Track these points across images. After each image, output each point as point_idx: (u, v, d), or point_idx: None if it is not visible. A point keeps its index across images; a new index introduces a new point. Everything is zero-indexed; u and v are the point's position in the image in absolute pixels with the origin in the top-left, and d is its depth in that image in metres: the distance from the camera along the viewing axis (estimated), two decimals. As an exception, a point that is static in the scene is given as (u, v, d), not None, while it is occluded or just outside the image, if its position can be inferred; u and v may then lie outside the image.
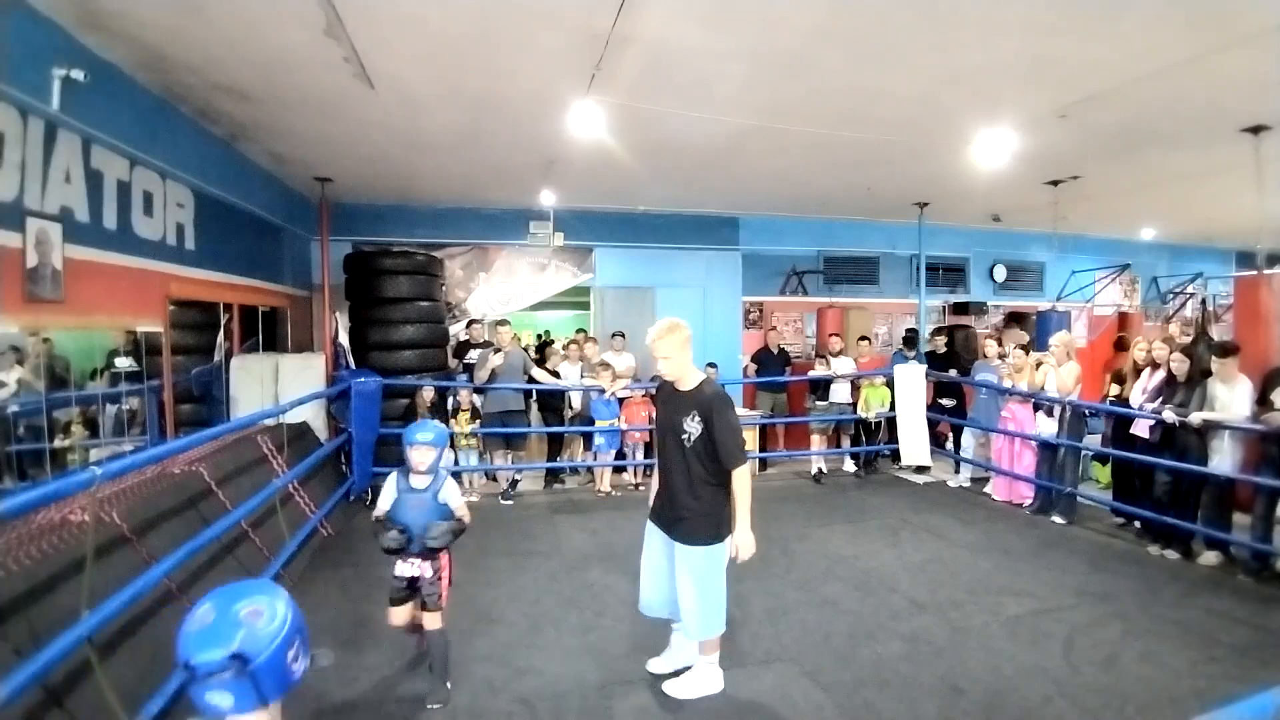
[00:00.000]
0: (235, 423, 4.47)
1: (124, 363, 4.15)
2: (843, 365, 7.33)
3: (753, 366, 8.14)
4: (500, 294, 8.79)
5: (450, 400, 6.64)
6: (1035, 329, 9.13)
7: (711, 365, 7.73)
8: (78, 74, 3.36)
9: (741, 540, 2.79)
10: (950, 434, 7.39)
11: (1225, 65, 4.01)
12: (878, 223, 9.70)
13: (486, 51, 3.95)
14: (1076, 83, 4.36)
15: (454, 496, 3.00)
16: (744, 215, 9.39)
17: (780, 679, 3.09)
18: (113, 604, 2.27)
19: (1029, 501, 5.98)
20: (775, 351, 8.03)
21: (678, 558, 2.87)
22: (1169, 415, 4.66)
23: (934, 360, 7.40)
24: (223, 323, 5.66)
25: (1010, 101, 4.70)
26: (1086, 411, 5.72)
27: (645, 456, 6.87)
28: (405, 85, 4.43)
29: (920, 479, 7.09)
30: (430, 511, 2.91)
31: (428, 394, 6.40)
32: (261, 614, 1.12)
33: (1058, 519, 5.54)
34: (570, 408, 7.02)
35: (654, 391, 3.15)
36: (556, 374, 6.93)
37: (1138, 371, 5.23)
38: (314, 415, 5.87)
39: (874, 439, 7.46)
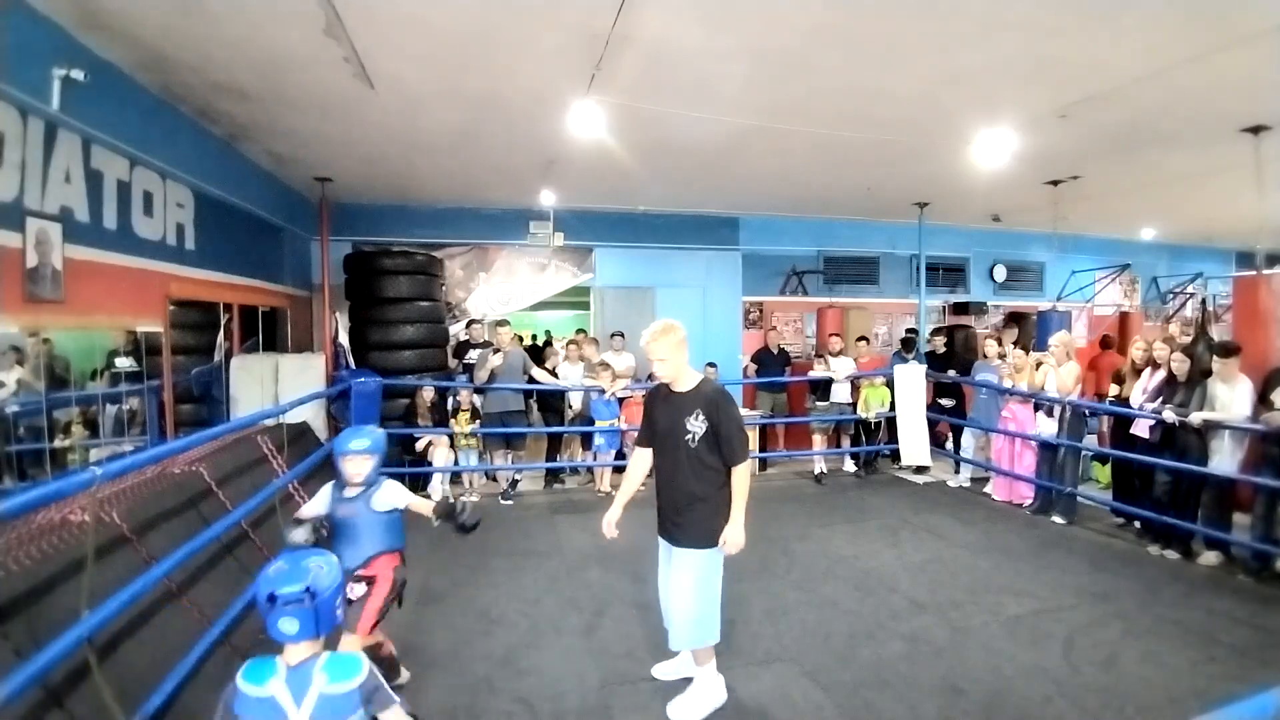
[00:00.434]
0: (235, 423, 4.47)
1: (124, 363, 4.15)
2: (842, 365, 7.32)
3: (753, 367, 8.14)
4: (500, 294, 8.80)
5: (450, 400, 6.64)
6: (1036, 329, 9.14)
7: (711, 365, 7.73)
8: (78, 74, 3.36)
9: (732, 535, 2.73)
10: (950, 434, 7.39)
11: (1225, 65, 4.01)
12: (878, 223, 9.70)
13: (486, 51, 3.95)
14: (1076, 83, 4.36)
15: (397, 496, 2.71)
16: (744, 215, 9.40)
17: (780, 679, 3.09)
18: (113, 604, 2.26)
19: (1029, 501, 5.97)
20: (775, 351, 8.03)
21: (674, 561, 2.82)
22: (1169, 415, 4.66)
23: (934, 360, 7.40)
24: (223, 323, 5.66)
25: (1010, 101, 4.70)
26: (1087, 411, 5.72)
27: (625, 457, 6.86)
28: (405, 85, 4.43)
29: (920, 479, 7.08)
30: (363, 522, 2.64)
31: (428, 394, 6.41)
32: (323, 567, 1.59)
33: (1058, 519, 5.54)
34: (570, 408, 7.02)
35: (647, 395, 3.04)
36: (556, 374, 6.93)
37: (1137, 371, 5.23)
38: (314, 415, 5.87)
39: (874, 439, 7.46)
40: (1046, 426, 5.83)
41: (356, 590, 2.60)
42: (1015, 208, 8.62)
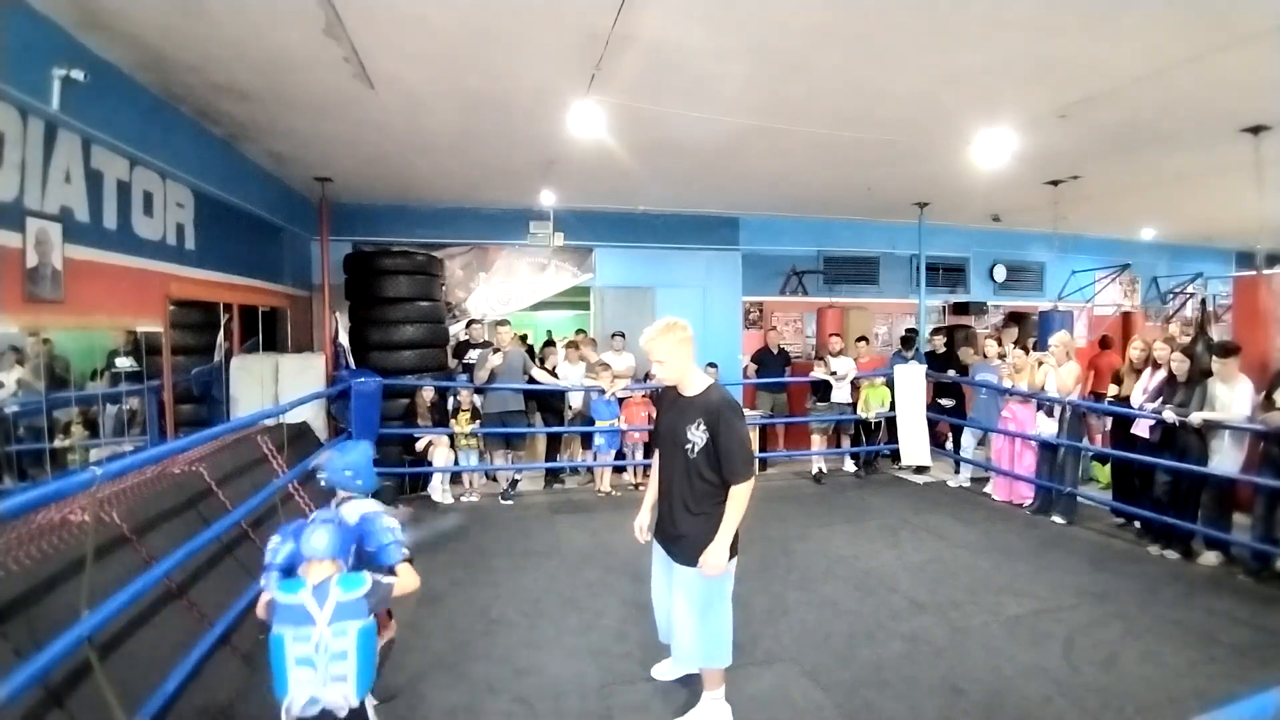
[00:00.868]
0: (235, 423, 4.47)
1: (124, 363, 4.15)
2: (842, 365, 7.32)
3: (753, 366, 8.14)
4: (500, 294, 8.79)
5: (450, 400, 6.64)
6: (1038, 329, 9.13)
7: (712, 365, 7.73)
8: (78, 74, 3.36)
9: (712, 557, 2.51)
10: (950, 434, 7.39)
11: (1225, 65, 4.01)
12: (878, 223, 9.70)
13: (486, 51, 3.95)
14: (1076, 83, 4.36)
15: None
16: (744, 215, 9.39)
17: (780, 679, 3.09)
18: (113, 604, 2.26)
19: (1029, 501, 5.97)
20: (775, 351, 8.03)
21: (675, 578, 2.68)
22: (1169, 415, 4.66)
23: (934, 360, 7.40)
24: (223, 323, 5.66)
25: (1010, 101, 4.70)
26: (1086, 411, 5.72)
27: (645, 456, 6.87)
28: (405, 85, 4.43)
29: (920, 479, 7.09)
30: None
31: (428, 394, 6.41)
32: (348, 514, 2.29)
33: (1058, 519, 5.54)
34: (569, 408, 7.02)
35: (656, 393, 2.97)
36: (556, 374, 6.93)
37: (1137, 371, 5.23)
38: (314, 415, 5.87)
39: (874, 439, 7.46)
40: (1046, 426, 5.83)
41: None
42: (1015, 208, 8.62)
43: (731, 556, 2.64)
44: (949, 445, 7.30)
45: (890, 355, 7.88)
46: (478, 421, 6.37)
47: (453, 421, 6.40)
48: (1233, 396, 4.41)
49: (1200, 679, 3.05)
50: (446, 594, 4.04)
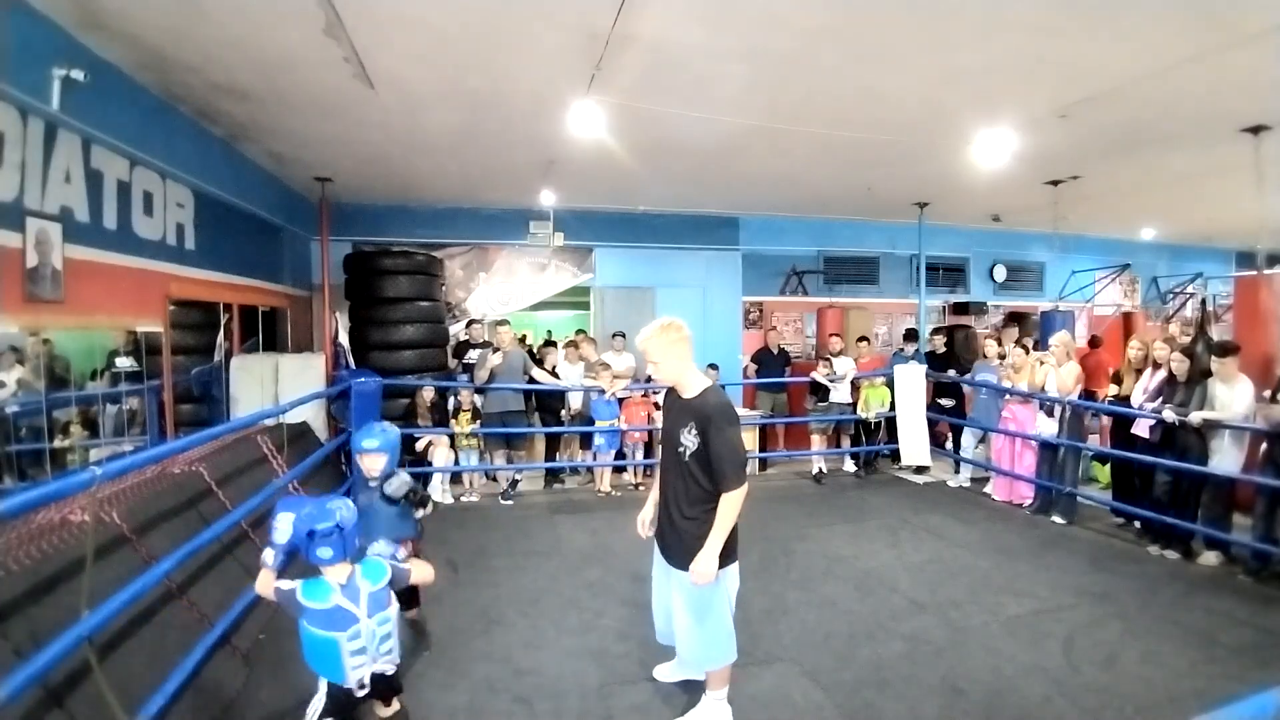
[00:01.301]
0: (235, 423, 4.47)
1: (124, 363, 4.15)
2: (843, 365, 7.32)
3: (753, 367, 8.14)
4: (500, 294, 8.80)
5: (451, 400, 6.64)
6: (1039, 328, 9.14)
7: (713, 367, 7.74)
8: (78, 74, 3.36)
9: (700, 565, 2.46)
10: (950, 434, 7.39)
11: (1225, 65, 4.01)
12: (878, 223, 9.70)
13: (486, 51, 3.95)
14: (1076, 83, 4.36)
15: (396, 487, 2.98)
16: (744, 215, 9.40)
17: (780, 679, 3.09)
18: (113, 604, 2.26)
19: (1029, 501, 5.97)
20: (775, 351, 8.03)
21: (674, 582, 2.66)
22: (1169, 415, 4.66)
23: (934, 360, 7.40)
24: (223, 323, 5.66)
25: (1010, 101, 4.70)
26: (1084, 412, 5.72)
27: (645, 456, 6.88)
28: (405, 85, 4.43)
29: (920, 479, 7.08)
30: (377, 510, 2.94)
31: (428, 394, 6.41)
32: (342, 508, 2.16)
33: (1058, 519, 5.54)
34: (567, 408, 7.01)
35: (657, 394, 2.98)
36: (556, 374, 6.93)
37: (1136, 372, 5.23)
38: (314, 415, 5.87)
39: (874, 439, 7.46)
40: (1046, 426, 5.83)
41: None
42: (1015, 208, 8.62)
43: (730, 561, 2.63)
44: (949, 445, 7.30)
45: (891, 355, 7.88)
46: (478, 421, 6.37)
47: (453, 421, 6.39)
48: (1233, 396, 4.41)
49: (1200, 679, 3.05)
50: (446, 594, 4.04)
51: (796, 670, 3.17)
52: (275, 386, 5.61)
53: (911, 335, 7.94)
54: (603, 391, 6.46)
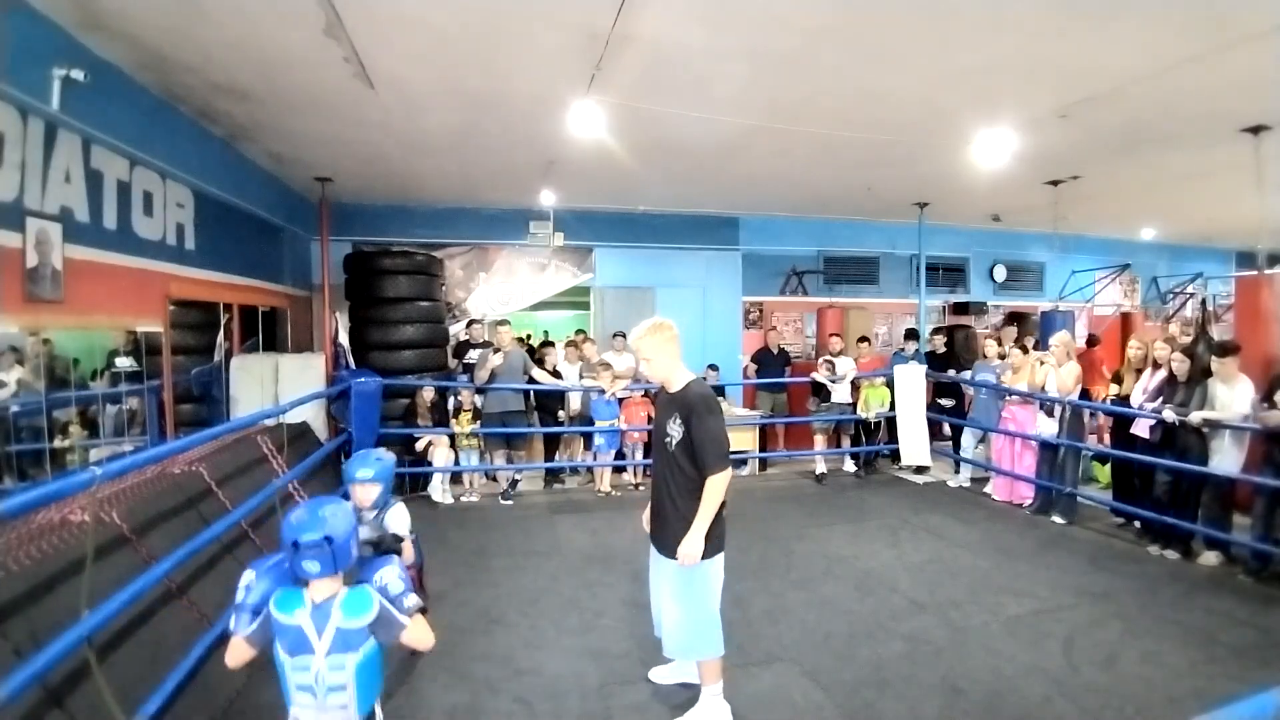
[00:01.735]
0: (235, 423, 4.47)
1: (124, 363, 4.15)
2: (843, 365, 7.32)
3: (753, 367, 8.14)
4: (500, 294, 8.80)
5: (451, 400, 6.64)
6: (1039, 329, 9.14)
7: (712, 367, 7.74)
8: (78, 74, 3.36)
9: (686, 546, 2.57)
10: (950, 434, 7.38)
11: (1225, 65, 4.01)
12: (878, 223, 9.70)
13: (486, 51, 3.95)
14: (1076, 83, 4.36)
15: (401, 522, 2.83)
16: (744, 215, 9.40)
17: (780, 679, 3.09)
18: (113, 604, 2.26)
19: (1029, 501, 5.97)
20: (775, 351, 8.03)
21: (664, 570, 2.77)
22: (1169, 415, 4.66)
23: (934, 360, 7.40)
24: (223, 323, 5.66)
25: (1010, 101, 4.70)
26: (1087, 411, 5.72)
27: (645, 456, 6.87)
28: (405, 85, 4.43)
29: (920, 479, 7.08)
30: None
31: (428, 394, 6.41)
32: (338, 514, 1.82)
33: (1058, 519, 5.54)
34: (566, 409, 7.00)
35: (657, 394, 3.00)
36: (557, 374, 6.93)
37: (1137, 371, 5.23)
38: (314, 415, 5.87)
39: (874, 439, 7.46)
40: (1046, 426, 5.83)
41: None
42: (1015, 208, 8.62)
43: (717, 552, 2.70)
44: (947, 431, 7.27)
45: (891, 355, 7.88)
46: (478, 421, 6.37)
47: (453, 421, 6.39)
48: (1233, 396, 4.41)
49: (1200, 679, 3.05)
50: (446, 594, 4.04)
51: (796, 670, 3.17)
52: (275, 386, 5.61)
53: (912, 335, 7.95)
54: (603, 391, 6.47)
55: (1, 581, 2.12)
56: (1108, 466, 5.92)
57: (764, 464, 7.62)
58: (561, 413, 6.96)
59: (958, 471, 7.04)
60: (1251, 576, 4.25)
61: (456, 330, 8.25)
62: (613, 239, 9.01)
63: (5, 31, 3.05)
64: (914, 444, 7.02)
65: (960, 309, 10.31)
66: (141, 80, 4.25)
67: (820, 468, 7.15)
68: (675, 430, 2.64)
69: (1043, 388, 5.87)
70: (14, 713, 1.87)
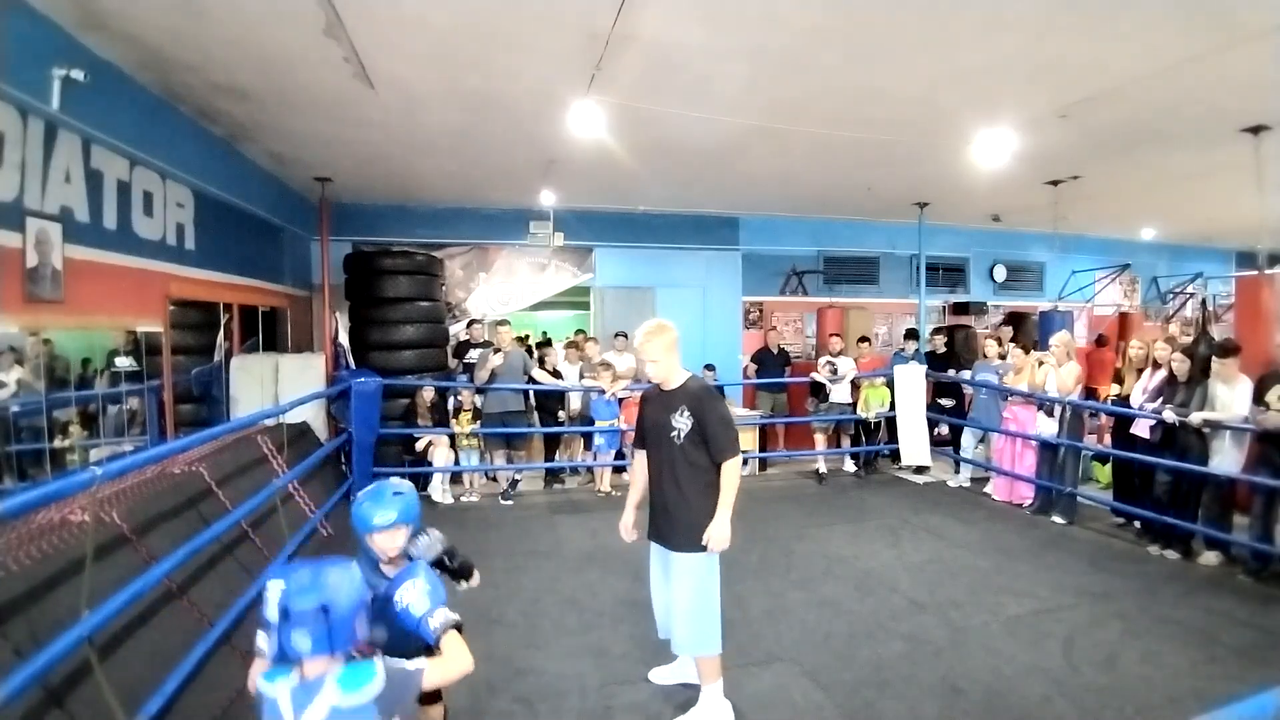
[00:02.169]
0: (235, 423, 4.47)
1: (124, 363, 4.15)
2: (843, 365, 7.32)
3: (753, 367, 8.14)
4: (500, 294, 8.80)
5: (451, 400, 6.64)
6: (1038, 329, 9.14)
7: (709, 368, 7.74)
8: (78, 74, 3.36)
9: (717, 531, 2.67)
10: (950, 434, 7.38)
11: (1225, 65, 4.01)
12: (878, 223, 9.70)
13: (486, 51, 3.95)
14: (1076, 83, 4.36)
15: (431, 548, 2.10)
16: (744, 215, 9.40)
17: (780, 679, 3.09)
18: (113, 604, 2.26)
19: (1029, 501, 5.97)
20: (775, 351, 8.02)
21: (673, 565, 2.78)
22: (1169, 415, 4.65)
23: (934, 360, 7.40)
24: (223, 323, 5.66)
25: (1010, 101, 4.70)
26: (1087, 411, 5.72)
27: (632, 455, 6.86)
28: (405, 85, 4.43)
29: (920, 479, 7.08)
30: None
31: (428, 394, 6.41)
32: (342, 583, 1.46)
33: (1058, 519, 5.54)
34: (566, 409, 7.00)
35: (642, 397, 3.01)
36: (557, 374, 6.93)
37: (1137, 371, 5.23)
38: (314, 415, 5.87)
39: (874, 439, 7.46)
40: (1047, 426, 5.83)
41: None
42: (1015, 208, 8.62)
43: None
44: (946, 431, 7.27)
45: (892, 355, 7.88)
46: (478, 421, 6.37)
47: (453, 421, 6.39)
48: (1233, 396, 4.41)
49: (1200, 679, 3.05)
50: (447, 594, 4.04)
51: (796, 670, 3.17)
52: (275, 386, 5.62)
53: (912, 335, 7.95)
54: (602, 391, 6.47)
55: (1, 581, 2.12)
56: (1108, 466, 5.92)
57: (764, 464, 7.62)
58: (561, 413, 6.96)
59: (958, 471, 7.04)
60: (1251, 576, 4.25)
61: (456, 330, 8.25)
62: (613, 239, 9.01)
63: (5, 31, 3.05)
64: (914, 444, 7.02)
65: (960, 309, 10.31)
66: (141, 80, 4.25)
67: (821, 467, 7.15)
68: (683, 422, 2.70)
69: (1043, 387, 5.87)
70: (14, 713, 1.87)
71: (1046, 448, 5.81)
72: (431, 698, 2.23)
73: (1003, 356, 6.66)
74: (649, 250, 9.11)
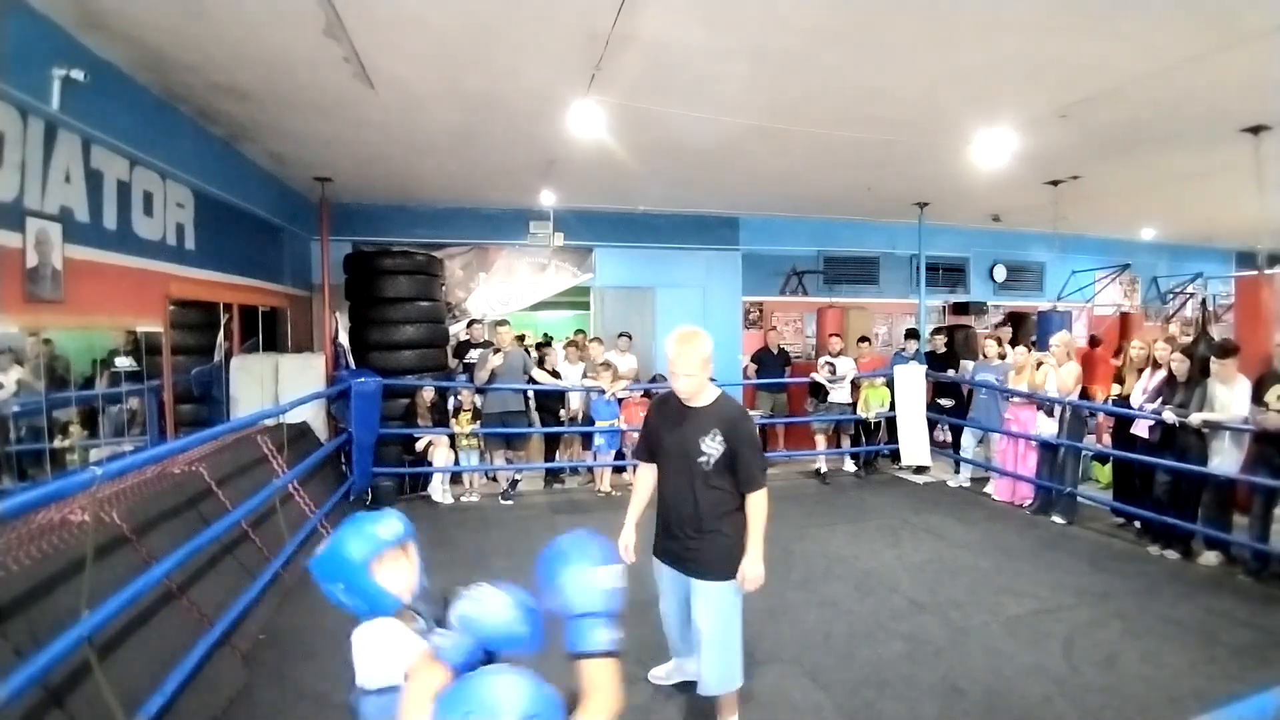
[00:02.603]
0: (235, 423, 4.47)
1: (124, 363, 4.15)
2: (843, 365, 7.32)
3: (753, 367, 8.13)
4: (500, 294, 8.79)
5: (451, 400, 6.64)
6: (1037, 329, 9.14)
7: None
8: (78, 74, 3.36)
9: (751, 569, 2.50)
10: (949, 433, 7.38)
11: (1225, 65, 4.01)
12: (878, 223, 9.69)
13: (486, 51, 3.95)
14: (1076, 83, 4.36)
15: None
16: (744, 215, 9.39)
17: (780, 679, 3.09)
18: (113, 604, 2.26)
19: (1029, 501, 5.97)
20: (775, 352, 8.02)
21: (697, 595, 2.58)
22: (1169, 415, 4.66)
23: (934, 360, 7.40)
24: (223, 323, 5.66)
25: (1010, 101, 4.70)
26: (1087, 411, 5.72)
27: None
28: (405, 85, 4.43)
29: (920, 479, 7.08)
30: None
31: (428, 394, 6.41)
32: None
33: (1058, 519, 5.54)
34: (566, 409, 7.00)
35: (650, 399, 2.82)
36: (557, 374, 6.93)
37: (1138, 371, 5.23)
38: (314, 415, 5.87)
39: (874, 439, 7.46)
40: (1047, 426, 5.83)
41: None
42: (1015, 208, 8.61)
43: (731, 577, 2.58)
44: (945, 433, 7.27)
45: (892, 355, 7.88)
46: (478, 421, 6.37)
47: (453, 421, 6.39)
48: (1232, 397, 4.41)
49: (1200, 679, 3.05)
50: (446, 594, 4.04)
51: (796, 670, 3.17)
52: (275, 386, 5.62)
53: (912, 335, 7.95)
54: (602, 391, 6.46)
55: (1, 581, 2.12)
56: (1108, 466, 5.92)
57: (764, 464, 7.60)
58: (562, 413, 6.96)
59: (958, 471, 7.04)
60: (1251, 576, 4.25)
61: (456, 330, 8.25)
62: (613, 239, 9.01)
63: (5, 31, 3.05)
64: (914, 444, 7.02)
65: (960, 309, 10.31)
66: (141, 80, 4.24)
67: (822, 467, 7.15)
68: (714, 448, 2.49)
69: (1043, 387, 5.87)
70: (14, 713, 1.87)
71: (1046, 448, 5.81)
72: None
73: (1002, 357, 6.66)
74: (649, 250, 9.11)
